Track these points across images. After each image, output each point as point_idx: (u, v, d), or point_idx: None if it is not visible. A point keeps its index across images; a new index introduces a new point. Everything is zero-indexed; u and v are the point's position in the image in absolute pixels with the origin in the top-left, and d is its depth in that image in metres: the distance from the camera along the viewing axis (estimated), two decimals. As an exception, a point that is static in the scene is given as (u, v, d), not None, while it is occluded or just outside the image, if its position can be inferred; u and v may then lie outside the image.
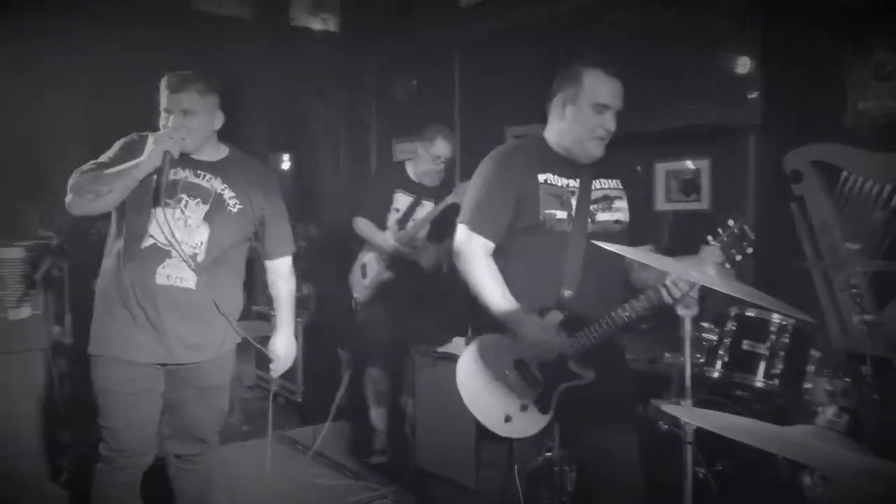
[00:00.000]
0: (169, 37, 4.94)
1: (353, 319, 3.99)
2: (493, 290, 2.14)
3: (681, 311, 1.54)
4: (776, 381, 2.36)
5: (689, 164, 3.83)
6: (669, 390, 2.58)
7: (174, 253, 2.27)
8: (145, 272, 2.27)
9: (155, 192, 2.24)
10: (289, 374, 5.03)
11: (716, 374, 2.44)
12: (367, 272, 3.87)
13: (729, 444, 1.59)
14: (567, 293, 2.13)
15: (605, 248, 1.68)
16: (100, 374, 2.31)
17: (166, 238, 2.26)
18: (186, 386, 2.40)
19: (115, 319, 2.30)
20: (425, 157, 3.78)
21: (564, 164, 2.21)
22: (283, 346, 2.58)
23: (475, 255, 2.18)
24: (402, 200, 3.78)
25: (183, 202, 2.31)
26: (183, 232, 2.29)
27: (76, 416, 3.19)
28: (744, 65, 3.48)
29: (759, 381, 2.36)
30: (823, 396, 2.42)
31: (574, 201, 2.17)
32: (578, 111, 2.15)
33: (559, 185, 2.18)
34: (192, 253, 2.29)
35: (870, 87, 3.20)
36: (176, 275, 2.29)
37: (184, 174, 2.34)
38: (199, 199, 2.33)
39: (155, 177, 2.25)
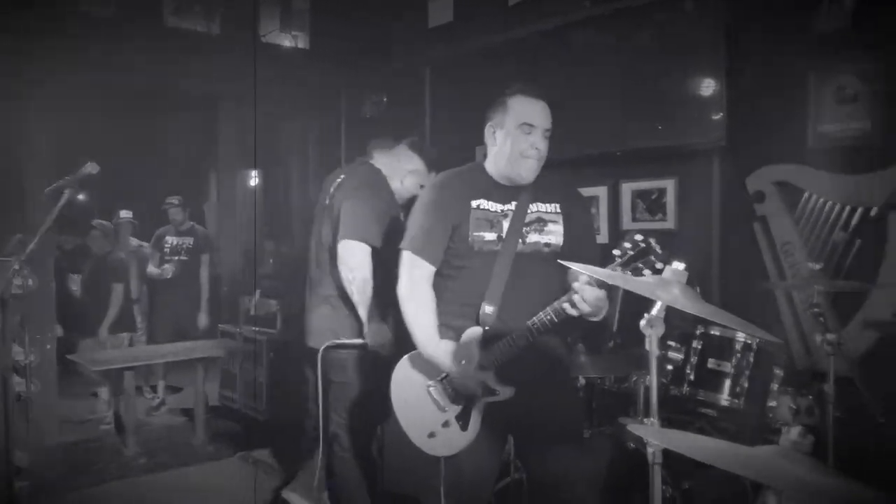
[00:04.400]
0: (140, 53, 4.91)
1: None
2: (422, 327, 2.25)
3: (646, 330, 1.55)
4: (741, 400, 2.38)
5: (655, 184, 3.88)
6: (636, 409, 2.59)
7: None
8: None
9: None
10: (252, 394, 4.99)
11: (681, 393, 2.46)
12: None
13: (696, 462, 1.62)
14: (489, 309, 2.21)
15: (575, 268, 1.71)
16: None
17: None
18: None
19: None
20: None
21: (501, 190, 2.31)
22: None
23: (417, 282, 2.28)
24: None
25: None
26: None
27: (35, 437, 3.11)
28: (708, 87, 3.55)
29: (724, 400, 2.38)
30: (787, 414, 2.45)
31: (506, 223, 2.26)
32: (507, 134, 2.26)
33: (492, 209, 2.28)
34: None
35: (831, 110, 3.27)
36: None
37: None
38: None
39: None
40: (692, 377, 2.45)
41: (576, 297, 1.99)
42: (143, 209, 6.12)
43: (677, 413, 2.57)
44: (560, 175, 2.39)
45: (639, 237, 1.90)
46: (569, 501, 2.16)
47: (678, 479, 2.30)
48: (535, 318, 2.09)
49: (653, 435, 1.20)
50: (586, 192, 4.09)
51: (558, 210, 2.33)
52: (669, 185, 3.83)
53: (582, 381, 2.79)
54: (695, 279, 2.14)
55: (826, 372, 2.39)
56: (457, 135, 4.89)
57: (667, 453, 2.44)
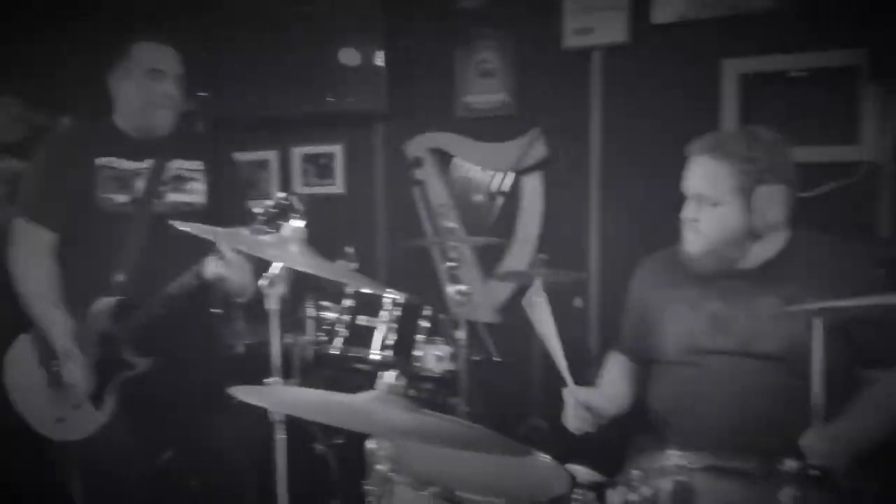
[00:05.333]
0: None
1: None
2: (40, 299, 2.05)
3: (267, 289, 1.56)
4: (390, 352, 2.53)
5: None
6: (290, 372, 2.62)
7: None
8: None
9: None
10: None
11: (335, 351, 2.53)
12: None
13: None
14: (120, 277, 2.07)
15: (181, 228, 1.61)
16: None
17: None
18: None
19: None
20: None
21: (132, 146, 2.15)
22: None
23: (34, 250, 2.08)
24: None
25: None
26: None
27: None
28: (370, 57, 3.65)
29: (374, 354, 2.51)
30: (433, 362, 2.67)
31: (142, 183, 2.12)
32: (135, 83, 2.12)
33: (122, 168, 2.13)
34: None
35: (475, 83, 3.59)
36: None
37: None
38: None
39: None
40: (346, 335, 2.54)
41: (210, 259, 1.93)
42: None
43: (336, 371, 2.65)
44: (207, 132, 2.29)
45: (281, 195, 1.88)
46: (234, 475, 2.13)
47: (330, 434, 2.39)
48: (173, 283, 2.00)
49: (258, 397, 1.22)
50: (257, 156, 4.03)
51: (201, 167, 2.23)
52: (337, 149, 3.91)
53: (242, 348, 2.75)
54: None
55: (467, 320, 2.64)
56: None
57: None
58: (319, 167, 3.96)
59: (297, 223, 1.57)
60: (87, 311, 2.05)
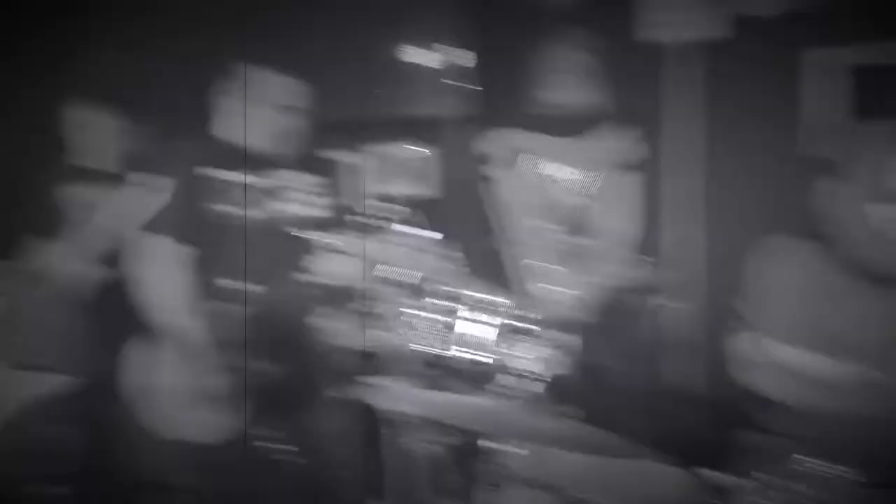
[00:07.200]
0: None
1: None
2: (169, 303, 2.18)
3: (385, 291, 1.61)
4: (500, 356, 2.55)
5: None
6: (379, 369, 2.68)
7: None
8: None
9: None
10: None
11: (447, 353, 2.58)
12: None
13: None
14: (243, 286, 2.20)
15: None
16: None
17: None
18: None
19: None
20: None
21: (247, 159, 2.28)
22: None
23: (164, 261, 2.20)
24: None
25: None
26: None
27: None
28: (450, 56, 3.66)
29: (485, 356, 2.53)
30: (543, 366, 2.70)
31: (258, 195, 2.28)
32: (257, 107, 2.25)
33: (238, 181, 2.25)
34: None
35: (558, 80, 3.48)
36: None
37: None
38: None
39: None
40: (458, 337, 2.57)
41: None
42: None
43: (447, 372, 2.69)
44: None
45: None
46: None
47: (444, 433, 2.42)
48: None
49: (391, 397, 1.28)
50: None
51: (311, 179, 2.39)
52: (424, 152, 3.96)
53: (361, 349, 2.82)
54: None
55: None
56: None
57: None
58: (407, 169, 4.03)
59: (432, 233, 1.62)
60: (214, 318, 2.17)
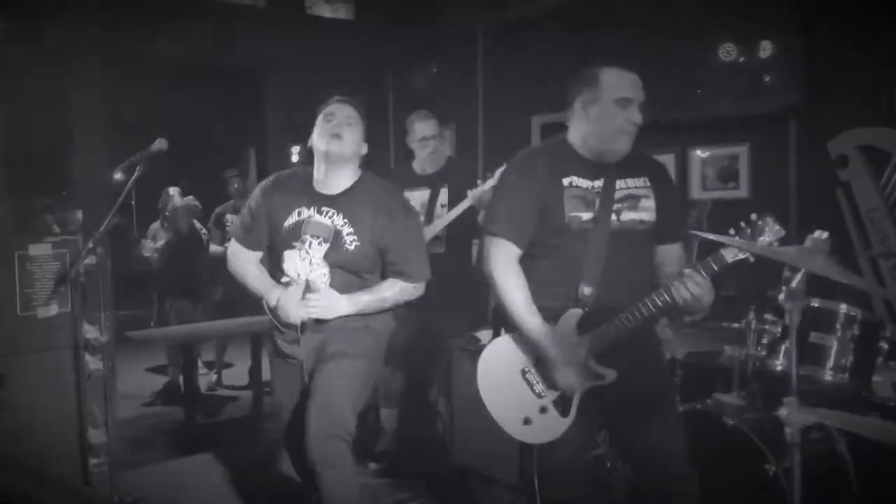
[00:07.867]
0: (183, 28, 4.84)
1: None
2: (519, 305, 2.15)
3: (786, 303, 1.46)
4: (846, 374, 2.28)
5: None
6: (729, 384, 2.50)
7: None
8: None
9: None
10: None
11: (779, 366, 2.36)
12: None
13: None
14: (587, 290, 2.12)
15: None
16: None
17: (294, 278, 2.42)
18: None
19: None
20: (415, 147, 3.70)
21: (588, 166, 2.21)
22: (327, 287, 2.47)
23: (504, 263, 2.19)
24: (416, 198, 3.65)
25: (307, 242, 2.42)
26: (308, 272, 2.41)
27: (109, 416, 3.11)
28: (779, 49, 3.39)
29: (828, 374, 2.28)
30: (888, 389, 2.36)
31: (598, 202, 2.18)
32: (603, 110, 2.15)
33: (584, 186, 2.19)
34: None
35: None
36: None
37: (308, 213, 2.45)
38: (321, 238, 2.42)
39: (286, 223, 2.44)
40: (793, 351, 2.34)
41: (688, 285, 1.93)
42: (187, 187, 6.05)
43: (768, 388, 2.48)
44: (638, 148, 2.28)
45: (754, 216, 1.86)
46: (675, 479, 2.09)
47: (779, 458, 2.21)
48: (641, 302, 2.02)
49: (824, 416, 1.12)
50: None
51: (648, 184, 2.23)
52: (742, 151, 3.70)
53: (667, 356, 2.70)
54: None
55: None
56: (511, 105, 4.79)
57: (764, 431, 2.37)
58: (720, 170, 3.78)
59: (821, 234, 1.46)
60: (558, 321, 2.14)
